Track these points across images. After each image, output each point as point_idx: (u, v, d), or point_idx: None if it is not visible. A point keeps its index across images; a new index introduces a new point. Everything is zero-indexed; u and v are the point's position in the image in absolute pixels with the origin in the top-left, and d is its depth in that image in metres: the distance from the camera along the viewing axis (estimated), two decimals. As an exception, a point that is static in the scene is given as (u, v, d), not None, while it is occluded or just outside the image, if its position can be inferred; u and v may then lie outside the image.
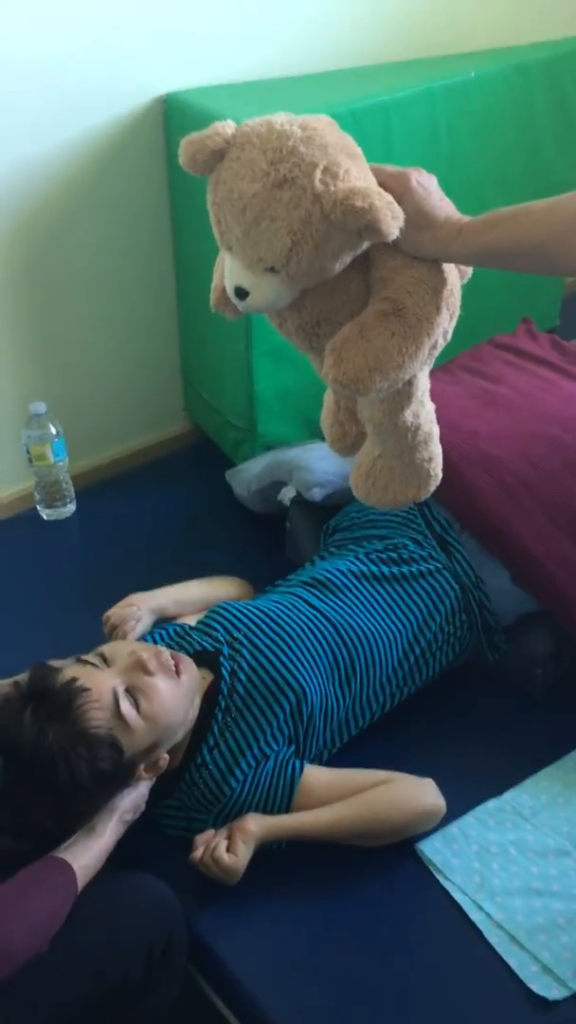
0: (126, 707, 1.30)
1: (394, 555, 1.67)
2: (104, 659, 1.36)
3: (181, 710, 1.38)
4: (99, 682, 1.30)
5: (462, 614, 1.64)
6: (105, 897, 1.25)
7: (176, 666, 1.38)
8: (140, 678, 1.33)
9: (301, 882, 1.40)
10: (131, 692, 1.32)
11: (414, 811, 1.43)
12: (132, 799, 1.34)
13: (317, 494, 1.84)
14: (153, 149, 2.06)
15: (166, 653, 1.39)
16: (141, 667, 1.34)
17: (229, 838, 1.36)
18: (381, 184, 0.99)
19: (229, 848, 1.35)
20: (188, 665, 1.41)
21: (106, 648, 1.39)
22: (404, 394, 1.11)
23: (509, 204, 1.03)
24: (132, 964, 1.23)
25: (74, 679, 1.29)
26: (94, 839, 1.28)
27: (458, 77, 2.06)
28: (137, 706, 1.31)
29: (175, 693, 1.36)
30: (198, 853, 1.36)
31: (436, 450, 1.22)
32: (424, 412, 1.17)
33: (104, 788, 1.30)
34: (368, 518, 1.76)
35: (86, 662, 1.35)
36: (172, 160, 2.05)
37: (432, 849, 1.43)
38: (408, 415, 1.14)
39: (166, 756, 1.38)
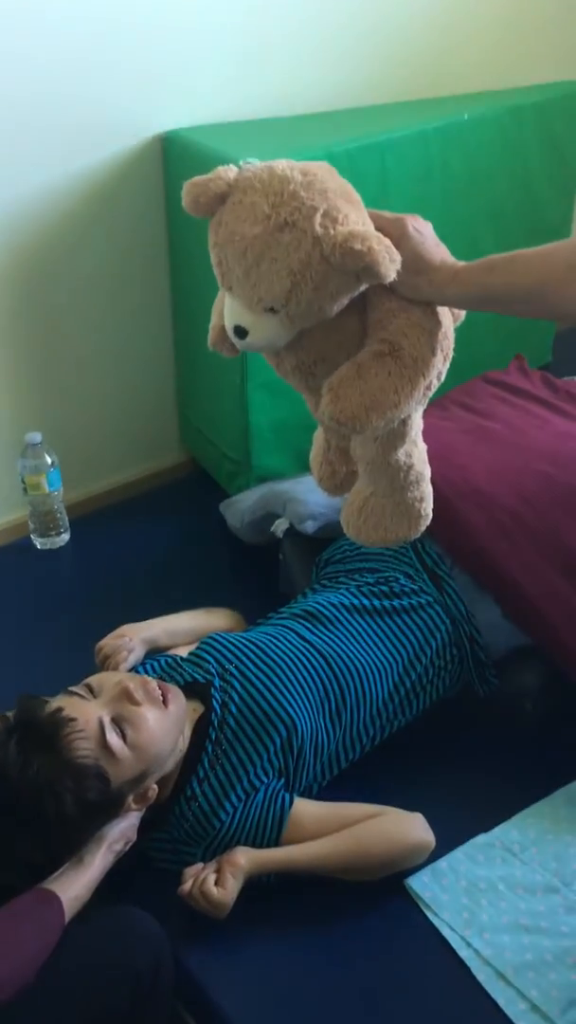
0: (112, 737, 1.29)
1: (385, 588, 1.67)
2: (91, 690, 1.36)
3: (169, 740, 1.37)
4: (85, 712, 1.30)
5: (453, 648, 1.65)
6: (91, 929, 1.24)
7: (164, 696, 1.38)
8: (127, 708, 1.33)
9: (289, 917, 1.40)
10: (117, 722, 1.32)
11: (403, 845, 1.43)
12: (121, 829, 1.34)
13: (310, 526, 1.85)
14: (152, 186, 2.09)
15: (153, 683, 1.39)
16: (127, 697, 1.34)
17: (218, 871, 1.36)
18: (379, 229, 1.01)
19: (218, 882, 1.34)
20: (176, 695, 1.41)
21: (93, 679, 1.39)
22: (398, 434, 1.13)
23: (502, 243, 1.06)
24: (118, 997, 1.22)
25: (59, 709, 1.29)
26: (82, 870, 1.27)
27: (452, 119, 2.10)
28: (124, 736, 1.31)
29: (162, 723, 1.35)
30: (187, 886, 1.35)
31: (427, 490, 1.23)
32: (417, 452, 1.19)
33: (91, 819, 1.29)
34: (360, 551, 1.77)
35: (73, 693, 1.35)
36: (170, 197, 2.08)
37: (421, 884, 1.43)
38: (401, 454, 1.16)
39: (155, 787, 1.38)
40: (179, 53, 2.00)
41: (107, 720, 1.31)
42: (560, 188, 2.38)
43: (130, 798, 1.34)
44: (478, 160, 2.16)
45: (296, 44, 2.15)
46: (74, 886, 1.25)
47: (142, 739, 1.32)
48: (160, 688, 1.39)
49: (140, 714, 1.33)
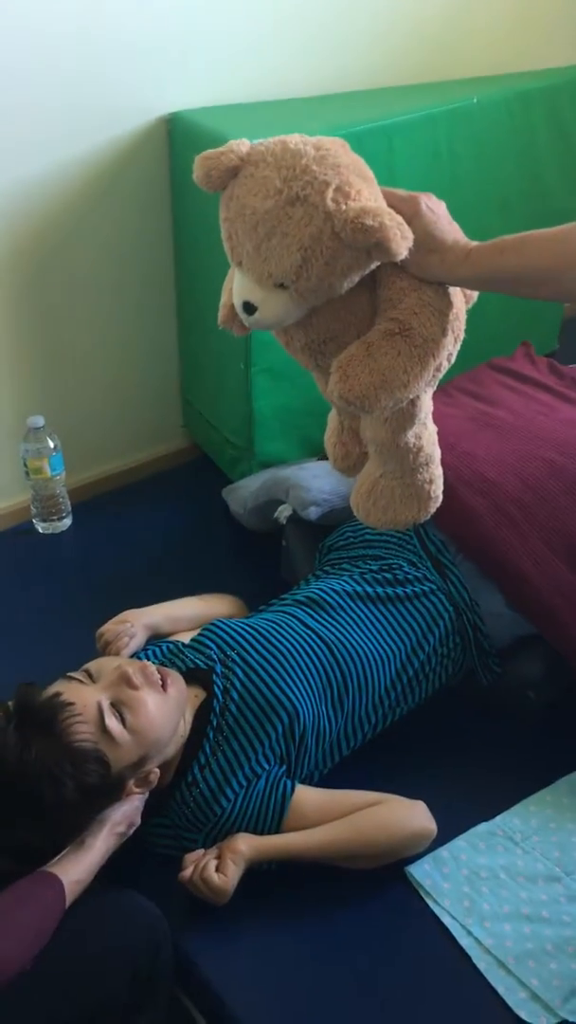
0: (111, 721, 1.29)
1: (389, 575, 1.67)
2: (90, 675, 1.36)
3: (169, 724, 1.37)
4: (83, 697, 1.30)
5: (456, 636, 1.64)
6: (90, 916, 1.24)
7: (163, 680, 1.37)
8: (125, 692, 1.33)
9: (290, 904, 1.39)
10: (116, 706, 1.31)
11: (405, 833, 1.42)
12: (124, 811, 1.33)
13: (313, 513, 1.85)
14: (157, 168, 2.07)
15: (152, 667, 1.39)
16: (126, 681, 1.33)
17: (219, 858, 1.35)
18: (391, 206, 1.00)
19: (219, 868, 1.34)
20: (176, 679, 1.41)
21: (92, 665, 1.39)
22: (407, 415, 1.12)
23: (509, 228, 1.05)
24: (117, 982, 1.21)
25: (57, 694, 1.29)
26: (83, 853, 1.27)
27: (460, 102, 2.08)
28: (123, 720, 1.30)
29: (162, 707, 1.35)
30: (187, 872, 1.35)
31: (437, 472, 1.22)
32: (427, 434, 1.18)
33: (92, 804, 1.28)
34: (363, 538, 1.77)
35: (71, 678, 1.35)
36: (175, 179, 2.07)
37: (422, 872, 1.42)
38: (411, 436, 1.15)
39: (157, 771, 1.38)
40: (185, 34, 1.98)
41: (106, 704, 1.30)
42: (568, 173, 2.36)
43: (131, 782, 1.34)
44: (486, 144, 2.15)
45: (303, 26, 2.13)
46: (75, 869, 1.24)
47: (141, 723, 1.31)
48: (160, 673, 1.38)
49: (139, 698, 1.33)
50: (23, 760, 1.22)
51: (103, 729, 1.28)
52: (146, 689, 1.34)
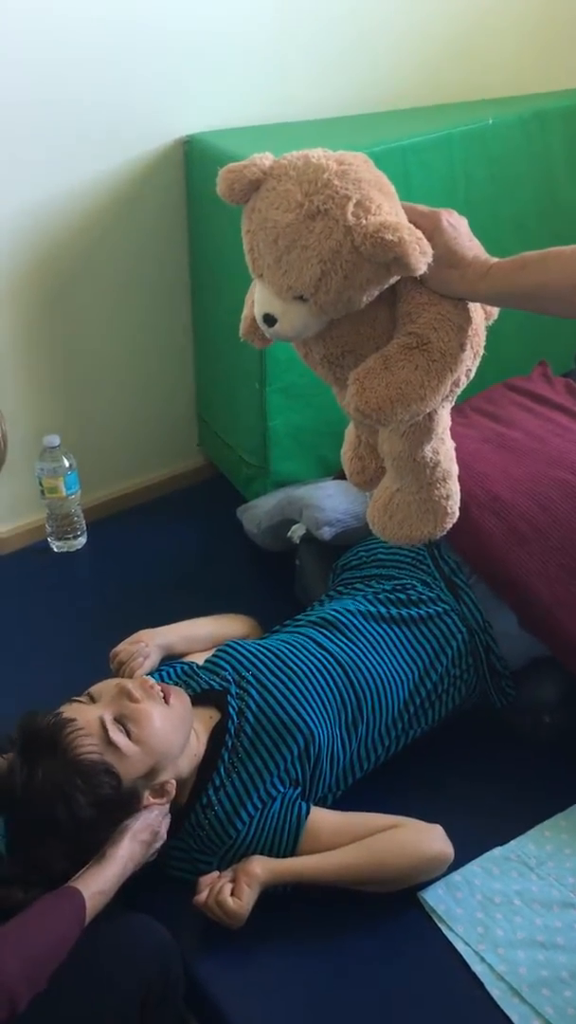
0: (115, 734, 1.29)
1: (402, 596, 1.66)
2: (92, 698, 1.36)
3: (176, 734, 1.36)
4: (86, 714, 1.30)
5: (469, 657, 1.63)
6: (101, 939, 1.22)
7: (165, 695, 1.38)
8: (127, 706, 1.33)
9: (302, 929, 1.38)
10: (120, 720, 1.32)
11: (421, 857, 1.41)
12: (144, 820, 1.32)
13: (327, 533, 1.84)
14: (173, 189, 2.09)
15: (152, 682, 1.39)
16: (127, 695, 1.34)
17: (234, 881, 1.34)
18: (412, 222, 1.00)
19: (234, 891, 1.33)
20: (179, 694, 1.41)
21: (93, 688, 1.39)
22: (425, 429, 1.12)
23: (525, 249, 1.05)
24: (128, 1009, 1.20)
25: (58, 713, 1.29)
26: (104, 864, 1.25)
27: (476, 123, 2.09)
28: (128, 733, 1.31)
29: (166, 717, 1.35)
30: (202, 896, 1.34)
31: (454, 488, 1.22)
32: (444, 449, 1.18)
33: (107, 817, 1.28)
34: (376, 557, 1.76)
35: (74, 701, 1.35)
36: (192, 201, 2.08)
37: (435, 897, 1.41)
38: (428, 451, 1.15)
39: (173, 782, 1.37)
40: (201, 56, 1.99)
41: (108, 719, 1.31)
42: (584, 194, 2.36)
43: (146, 793, 1.33)
44: (502, 165, 2.15)
45: (319, 48, 2.14)
46: (96, 880, 1.23)
47: (146, 733, 1.31)
48: (161, 688, 1.38)
49: (141, 709, 1.33)
50: (31, 783, 1.22)
51: (108, 742, 1.28)
52: (147, 701, 1.34)
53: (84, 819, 1.23)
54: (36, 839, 1.24)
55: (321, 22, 2.11)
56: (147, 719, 1.32)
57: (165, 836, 1.35)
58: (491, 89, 2.43)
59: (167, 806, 1.36)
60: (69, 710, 1.31)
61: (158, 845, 1.34)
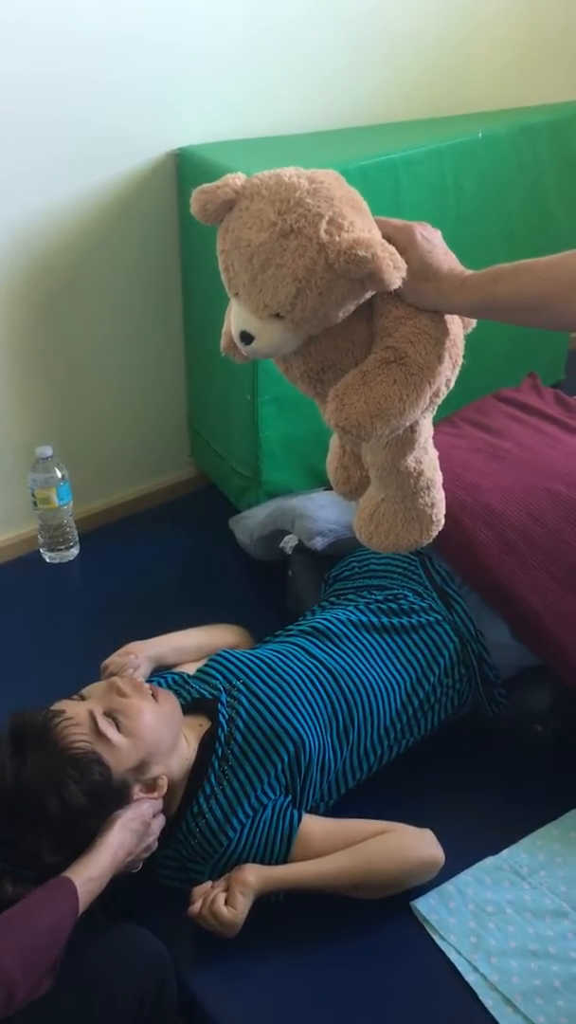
0: (104, 725, 1.30)
1: (394, 605, 1.66)
2: (82, 697, 1.38)
3: (164, 729, 1.37)
4: (76, 709, 1.32)
5: (461, 667, 1.63)
6: (94, 950, 1.22)
7: (154, 694, 1.39)
8: (116, 700, 1.35)
9: (294, 939, 1.38)
10: (109, 714, 1.33)
11: (413, 861, 1.41)
12: (136, 809, 1.32)
13: (319, 543, 1.85)
14: (165, 202, 2.10)
15: (141, 681, 1.42)
16: (116, 690, 1.36)
17: (227, 890, 1.35)
18: (387, 236, 1.01)
19: (227, 901, 1.33)
20: (167, 696, 1.42)
21: (84, 690, 1.41)
22: (407, 440, 1.13)
23: (515, 261, 1.05)
24: (121, 1020, 1.20)
25: (47, 708, 1.31)
26: (95, 852, 1.25)
27: (466, 137, 2.10)
28: (118, 726, 1.32)
29: (155, 712, 1.37)
30: (196, 907, 1.34)
31: (439, 496, 1.23)
32: (427, 458, 1.19)
33: (97, 807, 1.28)
34: (369, 568, 1.77)
35: (63, 699, 1.36)
36: (184, 213, 2.09)
37: (427, 907, 1.41)
38: (411, 460, 1.16)
39: (164, 777, 1.37)
40: (193, 69, 2.01)
41: (99, 712, 1.32)
42: (574, 207, 2.38)
43: (136, 787, 1.34)
44: (492, 178, 2.16)
45: (310, 62, 2.16)
46: (88, 868, 1.22)
47: (135, 725, 1.33)
48: (150, 688, 1.40)
49: (131, 704, 1.35)
50: (21, 774, 1.23)
51: (98, 734, 1.30)
52: (137, 697, 1.36)
53: (74, 809, 1.24)
54: (26, 832, 1.24)
55: (313, 36, 2.13)
56: (136, 712, 1.34)
57: (157, 832, 1.35)
58: (480, 103, 2.44)
59: (160, 803, 1.37)
60: (59, 705, 1.33)
61: (151, 840, 1.34)
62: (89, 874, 1.22)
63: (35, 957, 1.12)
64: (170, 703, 1.41)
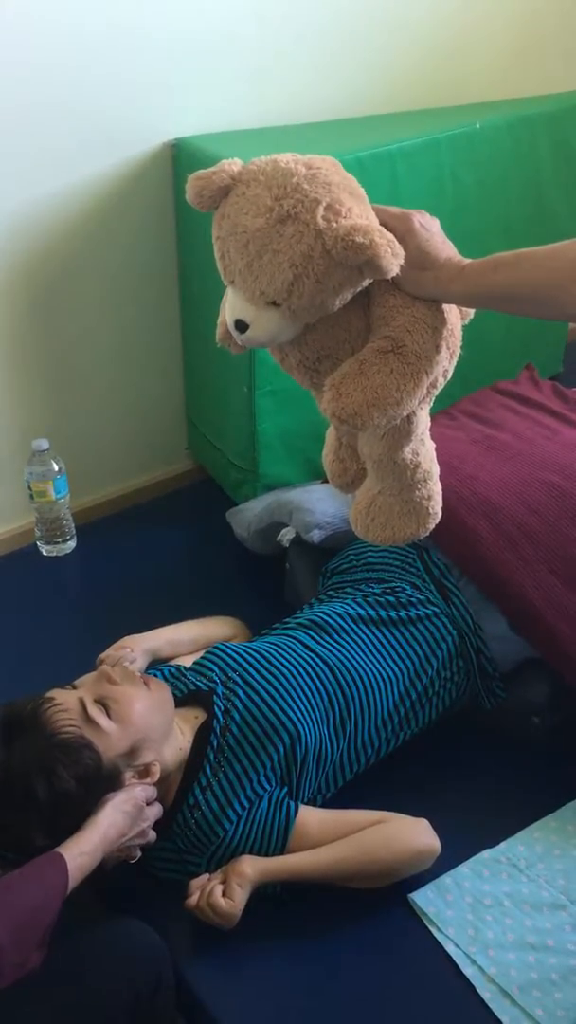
0: (94, 711, 1.31)
1: (392, 599, 1.66)
2: (74, 687, 1.38)
3: (155, 715, 1.38)
4: (65, 696, 1.33)
5: (459, 659, 1.63)
6: (91, 943, 1.23)
7: (145, 682, 1.40)
8: (106, 688, 1.36)
9: (291, 932, 1.38)
10: (100, 701, 1.33)
11: (409, 851, 1.42)
12: (128, 792, 1.32)
13: (316, 536, 1.84)
14: (161, 193, 2.09)
15: (131, 668, 1.43)
16: (106, 678, 1.37)
17: (224, 882, 1.35)
18: (384, 224, 1.00)
19: (225, 892, 1.33)
20: (159, 684, 1.43)
21: (76, 681, 1.41)
22: (404, 431, 1.12)
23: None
24: (118, 1014, 1.20)
25: (36, 695, 1.32)
26: (86, 829, 1.25)
27: (463, 127, 2.09)
28: (108, 712, 1.32)
29: (145, 699, 1.37)
30: (193, 899, 1.34)
31: (436, 488, 1.22)
32: (424, 450, 1.18)
33: (87, 792, 1.28)
34: (366, 560, 1.76)
35: (55, 687, 1.37)
36: (180, 204, 2.08)
37: (425, 900, 1.41)
38: (408, 452, 1.15)
39: (157, 764, 1.37)
40: (189, 60, 1.99)
41: (88, 699, 1.33)
42: (572, 198, 2.37)
43: (128, 773, 1.34)
44: (489, 169, 2.16)
45: (307, 52, 2.15)
46: (78, 844, 1.22)
47: (125, 711, 1.33)
48: (142, 678, 1.41)
49: (121, 690, 1.36)
50: (10, 759, 1.24)
51: (88, 720, 1.30)
52: (127, 684, 1.37)
53: (64, 793, 1.24)
54: (17, 817, 1.24)
55: (309, 26, 2.12)
56: (126, 698, 1.35)
57: (153, 819, 1.35)
58: (478, 93, 2.43)
59: (153, 789, 1.37)
60: (50, 693, 1.34)
61: (145, 826, 1.34)
62: (80, 849, 1.21)
63: (25, 931, 1.11)
64: (161, 691, 1.42)
